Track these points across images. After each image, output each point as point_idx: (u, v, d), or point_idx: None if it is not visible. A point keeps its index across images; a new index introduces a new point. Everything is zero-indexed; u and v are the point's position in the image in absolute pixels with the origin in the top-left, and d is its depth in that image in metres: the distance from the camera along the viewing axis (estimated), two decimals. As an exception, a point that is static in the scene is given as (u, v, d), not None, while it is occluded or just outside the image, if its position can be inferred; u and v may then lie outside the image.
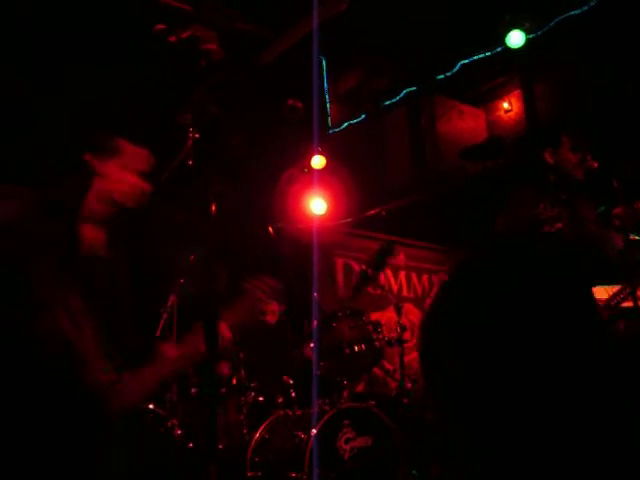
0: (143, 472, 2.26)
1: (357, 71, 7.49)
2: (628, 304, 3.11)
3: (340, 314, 3.75)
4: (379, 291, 4.85)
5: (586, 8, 6.00)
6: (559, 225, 3.52)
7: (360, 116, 7.59)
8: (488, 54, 6.69)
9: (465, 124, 7.66)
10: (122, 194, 2.30)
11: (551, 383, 0.81)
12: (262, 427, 3.36)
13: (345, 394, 3.56)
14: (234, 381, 3.32)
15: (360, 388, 4.95)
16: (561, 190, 3.67)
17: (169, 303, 3.49)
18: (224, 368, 3.45)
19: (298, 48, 5.43)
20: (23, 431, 0.63)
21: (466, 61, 6.88)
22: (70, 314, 0.71)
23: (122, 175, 2.30)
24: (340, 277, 5.98)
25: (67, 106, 4.40)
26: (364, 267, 4.26)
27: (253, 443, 3.30)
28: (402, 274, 6.42)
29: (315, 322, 3.59)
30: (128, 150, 2.41)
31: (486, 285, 0.90)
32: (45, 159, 4.27)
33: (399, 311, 4.16)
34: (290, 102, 5.78)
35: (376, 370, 5.03)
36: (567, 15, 6.09)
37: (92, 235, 2.20)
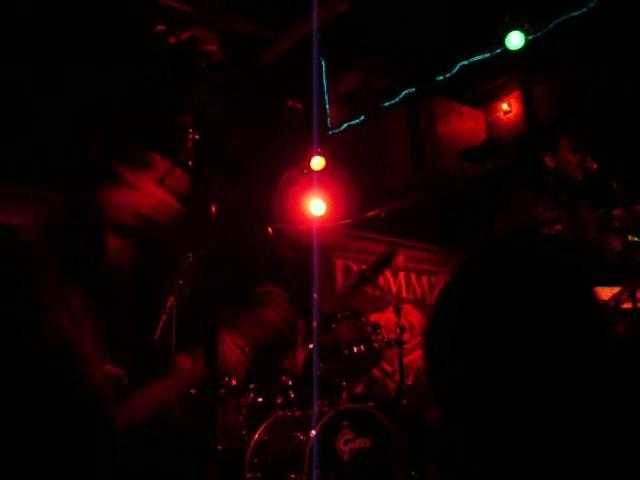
0: (143, 472, 2.26)
1: (357, 72, 7.49)
2: (628, 306, 3.11)
3: (339, 315, 3.75)
4: (378, 292, 4.86)
5: (586, 9, 6.00)
6: (558, 227, 3.53)
7: (359, 117, 7.60)
8: (487, 55, 6.69)
9: (464, 125, 7.66)
10: (151, 208, 2.33)
11: (551, 384, 0.81)
12: (261, 428, 3.36)
13: (344, 395, 3.56)
14: (233, 382, 3.32)
15: (359, 389, 4.95)
16: (561, 192, 3.67)
17: (168, 304, 3.48)
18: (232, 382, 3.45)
19: (298, 49, 5.43)
20: (22, 432, 0.62)
21: (465, 62, 6.88)
22: (70, 314, 0.71)
23: (153, 189, 2.34)
24: (339, 278, 5.98)
25: (67, 106, 4.40)
26: (364, 267, 4.26)
27: (252, 444, 3.29)
28: (401, 275, 6.41)
29: (315, 323, 3.59)
30: (162, 166, 2.45)
31: (486, 286, 0.90)
32: (45, 159, 4.27)
33: (398, 312, 4.16)
34: (290, 103, 5.78)
35: (375, 371, 5.02)
36: (567, 16, 6.10)
37: (116, 245, 2.22)
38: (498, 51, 6.48)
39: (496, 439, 0.83)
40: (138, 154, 2.46)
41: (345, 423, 3.24)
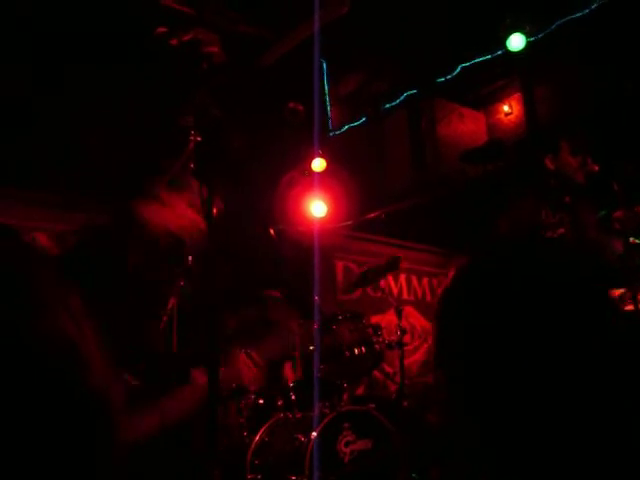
0: (144, 472, 2.25)
1: (358, 74, 7.50)
2: (629, 308, 3.11)
3: (340, 317, 3.75)
4: (379, 294, 4.85)
5: (587, 11, 6.00)
6: (561, 231, 3.52)
7: (360, 119, 7.60)
8: (488, 57, 6.69)
9: (465, 127, 7.66)
10: (180, 228, 2.39)
11: (556, 385, 0.80)
12: (262, 430, 3.35)
13: (345, 397, 3.56)
14: (233, 385, 3.31)
15: (360, 391, 4.94)
16: (563, 195, 3.67)
17: (169, 306, 3.48)
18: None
19: (299, 51, 5.43)
20: (22, 433, 0.62)
21: (466, 64, 6.89)
22: (71, 314, 0.71)
23: (185, 211, 2.40)
24: (340, 280, 5.98)
25: (67, 106, 4.40)
26: (366, 268, 4.26)
27: (253, 446, 3.29)
28: (402, 277, 6.41)
29: (316, 325, 3.59)
30: (197, 190, 2.52)
31: (490, 288, 0.89)
32: (45, 159, 4.27)
33: (399, 314, 4.15)
34: (291, 105, 5.78)
35: (376, 373, 5.02)
36: (568, 18, 6.10)
37: (137, 256, 2.27)
38: (499, 53, 6.49)
39: (512, 438, 0.82)
40: (178, 176, 2.54)
41: (346, 425, 3.23)
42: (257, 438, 3.31)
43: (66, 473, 0.64)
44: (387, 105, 7.61)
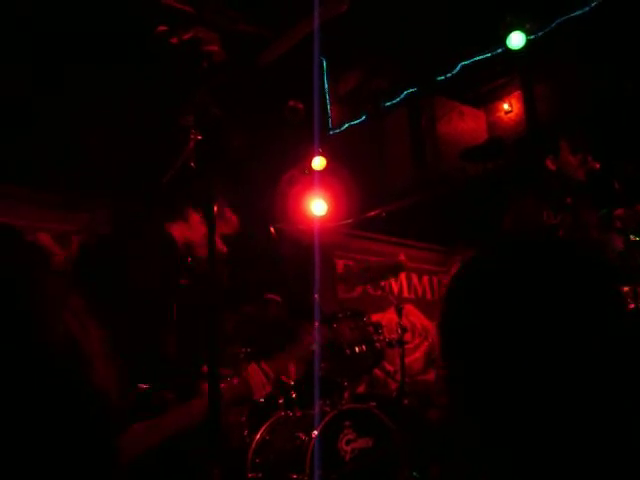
0: (144, 470, 2.26)
1: (357, 72, 7.49)
2: (631, 306, 3.11)
3: (340, 315, 3.75)
4: (380, 292, 4.85)
5: (587, 9, 6.00)
6: (562, 232, 3.53)
7: (361, 117, 7.59)
8: (489, 55, 6.69)
9: (465, 125, 7.66)
10: (201, 247, 2.49)
11: (557, 385, 0.80)
12: (263, 428, 3.36)
13: (346, 395, 3.56)
14: (235, 381, 3.31)
15: (361, 389, 4.94)
16: (564, 195, 3.67)
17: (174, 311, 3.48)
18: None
19: (299, 49, 5.42)
20: (27, 433, 0.62)
21: (467, 62, 6.88)
22: (75, 314, 0.71)
23: (205, 230, 2.51)
24: (340, 277, 5.97)
25: (67, 106, 4.40)
26: (368, 266, 4.26)
27: (254, 444, 3.29)
28: (402, 275, 6.40)
29: (316, 323, 3.59)
30: (224, 214, 2.66)
31: (491, 288, 0.89)
32: (45, 159, 4.27)
33: (400, 312, 4.15)
34: (291, 103, 5.78)
35: (377, 371, 5.02)
36: (568, 16, 6.09)
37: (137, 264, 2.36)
38: (499, 51, 6.48)
39: (511, 438, 0.82)
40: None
41: (347, 423, 3.23)
42: (258, 436, 3.31)
43: (67, 471, 0.64)
44: (387, 103, 7.60)
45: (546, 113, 6.92)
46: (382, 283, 4.58)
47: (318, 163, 5.64)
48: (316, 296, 3.74)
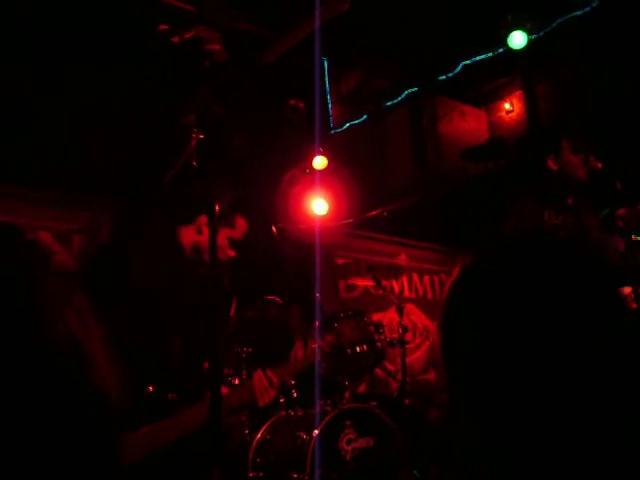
0: (144, 470, 2.26)
1: (359, 72, 7.48)
2: (632, 306, 3.10)
3: (342, 315, 3.75)
4: (381, 292, 4.85)
5: (588, 9, 5.99)
6: (563, 233, 3.52)
7: (362, 117, 7.59)
8: (490, 55, 6.68)
9: (467, 125, 7.66)
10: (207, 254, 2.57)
11: (557, 385, 0.80)
12: (264, 428, 3.36)
13: (347, 395, 3.56)
14: (236, 381, 3.31)
15: (362, 389, 4.94)
16: (566, 196, 3.66)
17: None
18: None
19: (300, 49, 5.42)
20: (26, 431, 0.62)
21: (468, 62, 6.87)
22: (77, 312, 0.71)
23: (220, 240, 2.56)
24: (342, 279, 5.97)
25: (67, 106, 4.40)
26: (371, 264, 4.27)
27: (255, 443, 3.29)
28: (404, 275, 6.41)
29: (317, 323, 3.59)
30: (235, 220, 2.71)
31: (491, 289, 0.89)
32: (45, 159, 4.27)
33: (401, 312, 4.16)
34: (292, 103, 5.78)
35: (378, 371, 5.02)
36: (569, 16, 6.09)
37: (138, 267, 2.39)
38: (500, 50, 6.48)
39: (511, 438, 0.82)
40: (225, 213, 2.73)
41: (348, 422, 3.23)
42: (259, 436, 3.32)
43: (67, 470, 0.64)
44: (388, 103, 7.60)
45: (547, 113, 6.92)
46: (383, 283, 4.58)
47: (319, 162, 5.63)
48: (317, 295, 3.74)
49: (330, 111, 7.38)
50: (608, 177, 3.55)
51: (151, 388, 2.38)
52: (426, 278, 6.67)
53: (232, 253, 2.79)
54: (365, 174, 6.71)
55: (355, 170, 6.05)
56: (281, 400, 3.51)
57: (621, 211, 3.49)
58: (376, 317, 5.20)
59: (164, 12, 4.65)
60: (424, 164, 7.46)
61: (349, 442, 3.21)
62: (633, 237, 3.37)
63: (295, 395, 3.47)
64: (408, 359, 4.42)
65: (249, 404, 2.81)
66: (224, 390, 2.32)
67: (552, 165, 3.71)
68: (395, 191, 7.09)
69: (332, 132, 7.41)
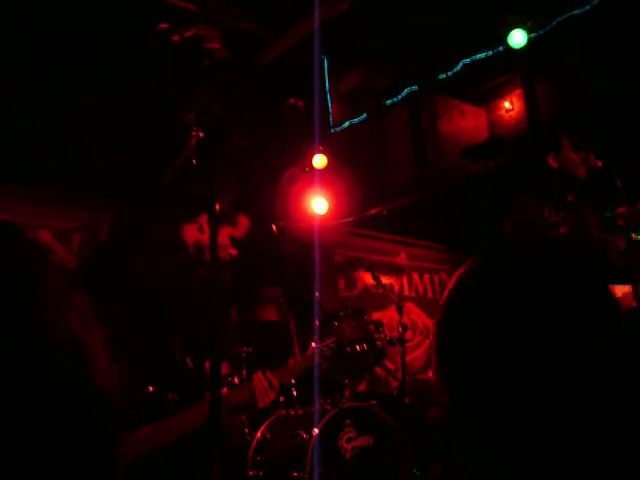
0: (146, 471, 2.26)
1: (358, 70, 7.48)
2: (632, 305, 3.11)
3: (341, 313, 3.75)
4: (381, 290, 4.85)
5: (588, 8, 5.99)
6: (563, 230, 3.52)
7: (361, 115, 7.59)
8: (490, 53, 6.68)
9: (466, 123, 7.66)
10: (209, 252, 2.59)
11: (557, 385, 0.80)
12: (263, 426, 3.36)
13: (347, 393, 3.56)
14: (235, 380, 3.32)
15: (362, 387, 4.95)
16: (566, 193, 3.66)
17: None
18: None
19: (300, 47, 5.42)
20: (27, 430, 0.62)
21: (468, 60, 6.87)
22: (78, 312, 0.71)
23: (222, 239, 2.57)
24: (341, 276, 5.98)
25: (67, 106, 4.40)
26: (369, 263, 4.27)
27: (255, 442, 3.29)
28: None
29: (317, 321, 3.59)
30: (238, 219, 2.74)
31: (491, 289, 0.89)
32: (45, 159, 4.27)
33: (400, 310, 4.16)
34: (291, 101, 5.78)
35: (378, 369, 5.02)
36: (569, 15, 6.09)
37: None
38: (500, 49, 6.47)
39: (511, 438, 0.82)
40: (228, 213, 2.75)
41: (347, 421, 3.24)
42: (258, 435, 3.32)
43: (67, 469, 0.64)
44: (388, 101, 7.60)
45: (547, 111, 6.92)
46: (383, 281, 4.58)
47: (319, 161, 5.63)
48: (317, 294, 3.74)
49: (330, 110, 7.38)
50: (608, 176, 3.55)
51: (151, 388, 2.38)
52: (426, 277, 6.67)
53: (234, 252, 2.79)
54: (365, 173, 6.71)
55: (355, 169, 6.05)
56: (281, 399, 3.51)
57: (621, 209, 3.48)
58: (376, 316, 5.21)
59: (166, 12, 4.65)
60: (424, 162, 7.46)
61: (349, 441, 3.21)
62: (633, 236, 3.36)
63: (295, 394, 3.48)
64: (408, 358, 4.42)
65: (249, 405, 2.81)
66: (224, 390, 2.32)
67: (552, 162, 3.70)
68: (395, 189, 7.09)
69: (332, 131, 7.41)
